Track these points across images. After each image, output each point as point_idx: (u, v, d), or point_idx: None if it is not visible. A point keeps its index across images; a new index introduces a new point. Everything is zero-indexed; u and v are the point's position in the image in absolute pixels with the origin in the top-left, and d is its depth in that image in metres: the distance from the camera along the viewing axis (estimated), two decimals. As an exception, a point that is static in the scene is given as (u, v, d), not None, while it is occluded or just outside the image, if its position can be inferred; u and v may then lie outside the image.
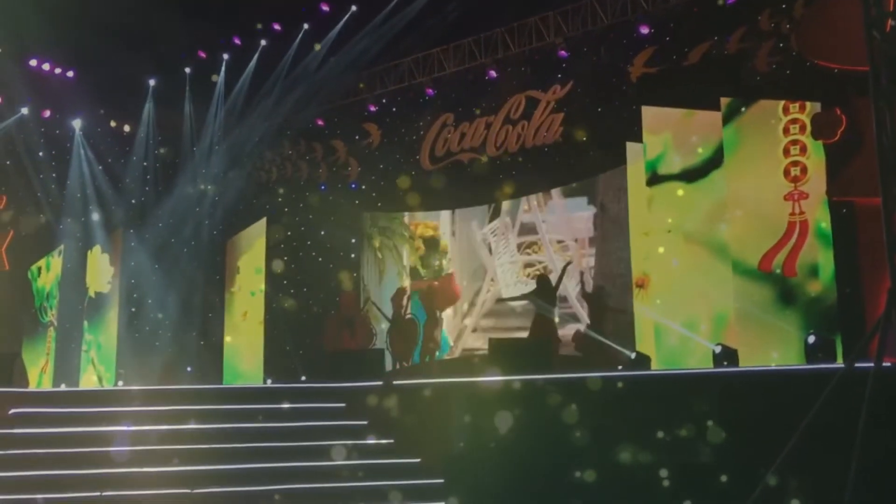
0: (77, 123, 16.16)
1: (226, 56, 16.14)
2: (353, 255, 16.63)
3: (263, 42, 15.78)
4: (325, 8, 15.01)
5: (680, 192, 12.18)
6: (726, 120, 11.63)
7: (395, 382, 10.62)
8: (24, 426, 9.58)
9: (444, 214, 16.22)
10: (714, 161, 11.89)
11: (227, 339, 16.46)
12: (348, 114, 16.32)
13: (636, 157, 12.71)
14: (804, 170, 11.11)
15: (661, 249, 12.25)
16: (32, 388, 14.25)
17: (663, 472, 7.85)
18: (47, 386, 15.15)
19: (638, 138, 12.57)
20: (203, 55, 15.94)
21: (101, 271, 16.20)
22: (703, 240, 11.91)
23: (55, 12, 13.05)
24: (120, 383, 14.50)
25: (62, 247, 15.98)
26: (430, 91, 15.28)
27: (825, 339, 9.60)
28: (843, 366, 7.60)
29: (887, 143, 7.01)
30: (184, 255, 16.03)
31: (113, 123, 16.56)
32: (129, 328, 15.77)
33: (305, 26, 15.36)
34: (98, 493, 8.63)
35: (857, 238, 10.55)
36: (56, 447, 9.24)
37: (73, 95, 15.38)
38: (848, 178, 10.62)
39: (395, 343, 15.84)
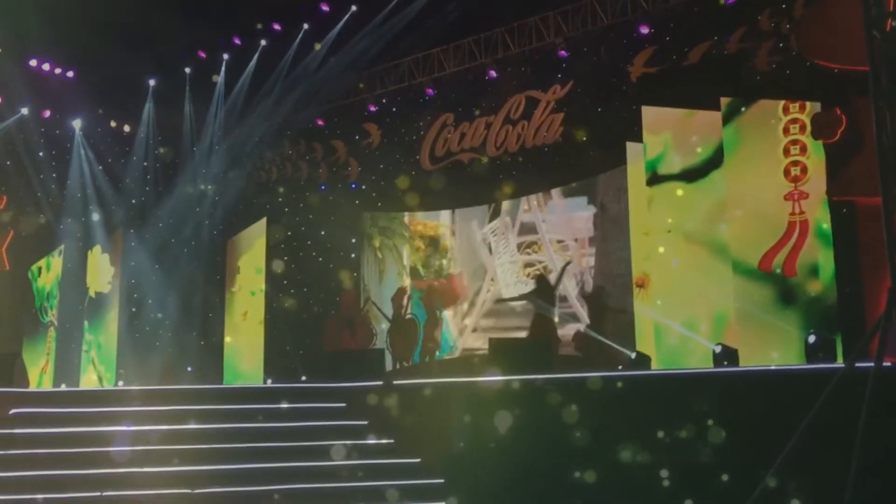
0: (77, 123, 16.17)
1: (226, 56, 16.14)
2: (353, 255, 16.64)
3: (263, 42, 15.78)
4: (325, 8, 15.01)
5: (680, 192, 12.19)
6: (726, 120, 11.64)
7: (395, 382, 10.61)
8: (25, 426, 9.56)
9: (445, 214, 16.22)
10: (714, 161, 11.89)
11: (228, 339, 16.47)
12: (348, 114, 16.33)
13: (636, 157, 12.71)
14: (804, 170, 11.11)
15: (661, 249, 12.26)
16: (33, 388, 14.25)
17: (663, 473, 7.85)
18: (47, 386, 15.16)
19: (638, 138, 12.58)
20: (203, 55, 15.94)
21: (101, 271, 16.21)
22: (703, 240, 11.92)
23: (55, 12, 13.06)
24: (120, 383, 14.51)
25: (62, 247, 15.98)
26: (430, 91, 15.29)
27: (825, 339, 9.59)
28: (843, 365, 7.60)
29: (887, 143, 7.01)
30: (184, 255, 16.04)
31: (113, 123, 16.56)
32: (130, 328, 15.78)
33: (305, 26, 15.36)
34: (98, 494, 8.63)
35: (857, 238, 10.56)
36: (56, 447, 9.23)
37: (73, 95, 15.38)
38: (848, 177, 10.63)
39: (396, 343, 15.85)
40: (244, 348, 16.21)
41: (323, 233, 16.53)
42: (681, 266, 12.02)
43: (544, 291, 14.03)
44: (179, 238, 16.08)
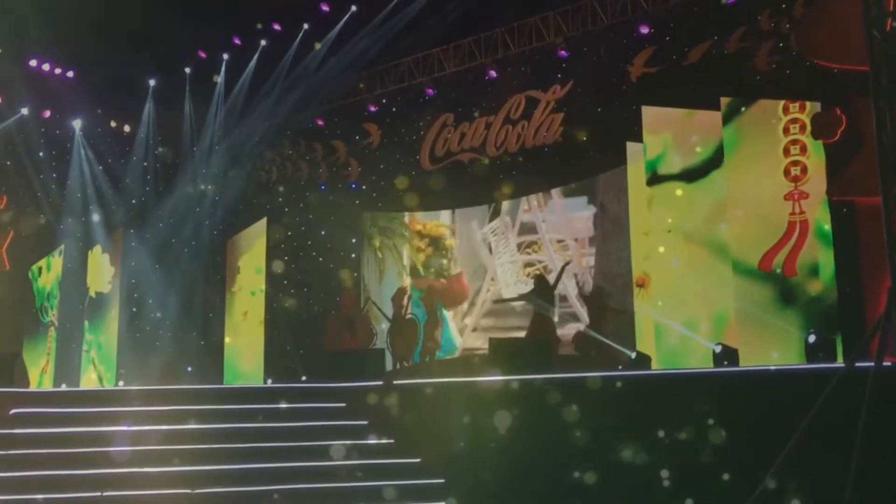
0: (77, 123, 16.16)
1: (226, 56, 16.14)
2: (353, 255, 16.64)
3: (263, 42, 15.78)
4: (325, 8, 15.00)
5: (680, 192, 12.18)
6: (726, 120, 11.63)
7: (395, 382, 10.62)
8: (25, 426, 9.57)
9: (445, 214, 16.23)
10: (714, 161, 11.88)
11: (228, 339, 16.47)
12: (348, 114, 16.33)
13: (636, 157, 12.70)
14: (804, 169, 11.11)
15: (661, 249, 12.25)
16: (33, 388, 14.25)
17: (663, 472, 7.85)
18: (48, 386, 15.16)
19: (638, 138, 12.57)
20: (203, 55, 15.94)
21: (101, 271, 16.20)
22: (703, 239, 11.91)
23: (55, 12, 13.06)
24: (120, 383, 14.51)
25: (63, 247, 15.98)
26: (430, 91, 15.29)
27: (825, 339, 9.60)
28: (843, 365, 7.60)
29: (887, 143, 7.02)
30: (184, 255, 16.04)
31: (113, 123, 16.56)
32: (130, 328, 15.78)
33: (305, 26, 15.36)
34: (99, 494, 8.64)
35: (857, 237, 10.56)
36: (57, 447, 9.24)
37: (73, 95, 15.38)
38: (848, 177, 10.62)
39: (396, 343, 15.84)
40: (244, 348, 16.21)
41: (323, 233, 16.54)
42: (681, 266, 12.01)
43: (543, 291, 14.03)
44: (180, 238, 16.09)
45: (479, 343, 14.92)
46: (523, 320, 14.46)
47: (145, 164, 16.43)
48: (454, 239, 16.07)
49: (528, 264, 15.02)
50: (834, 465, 6.38)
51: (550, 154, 14.09)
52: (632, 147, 12.79)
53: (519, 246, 15.22)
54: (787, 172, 11.21)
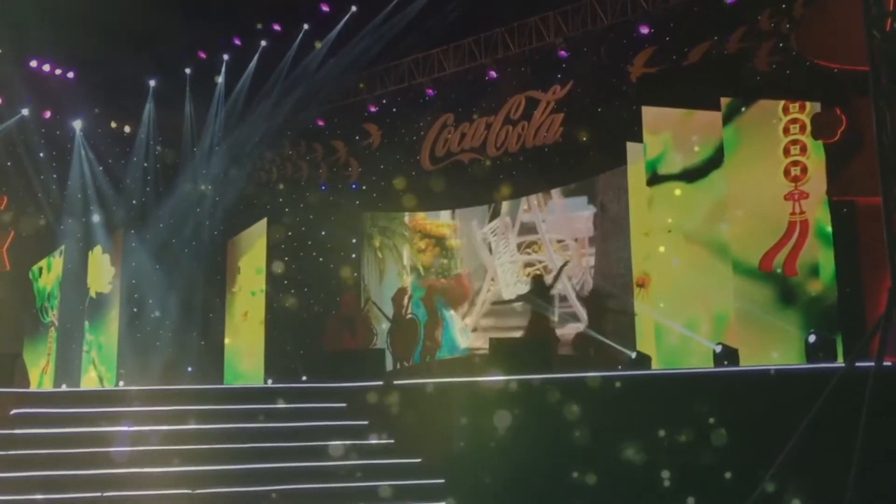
0: (77, 124, 16.16)
1: (226, 57, 16.15)
2: (353, 255, 16.65)
3: (263, 42, 15.78)
4: (325, 8, 15.01)
5: (680, 192, 12.19)
6: (726, 120, 11.64)
7: (395, 382, 10.62)
8: (25, 427, 9.56)
9: (445, 214, 16.23)
10: (714, 161, 11.89)
11: (228, 339, 16.47)
12: (348, 114, 16.34)
13: (636, 157, 12.72)
14: (804, 169, 11.12)
15: (661, 249, 12.26)
16: (33, 388, 14.24)
17: (664, 472, 7.86)
18: (48, 386, 15.16)
19: (638, 138, 12.58)
20: (203, 56, 15.95)
21: (101, 272, 16.21)
22: (703, 240, 11.92)
23: (55, 12, 13.06)
24: (121, 383, 14.52)
25: (63, 247, 15.98)
26: (430, 91, 15.29)
27: (826, 339, 9.59)
28: (843, 365, 7.60)
29: (887, 143, 7.02)
30: (184, 256, 16.05)
31: (113, 124, 16.56)
32: (130, 328, 15.79)
33: (305, 27, 15.36)
34: (99, 494, 8.63)
35: (857, 237, 10.56)
36: (57, 448, 9.23)
37: (73, 96, 15.38)
38: (848, 177, 10.63)
39: (396, 343, 15.85)
40: (245, 349, 16.22)
41: (323, 233, 16.55)
42: (681, 266, 12.02)
43: (541, 291, 14.04)
44: (180, 238, 16.09)
45: (480, 343, 14.93)
46: (524, 320, 14.47)
47: (145, 164, 16.43)
48: (457, 239, 16.07)
49: (528, 264, 15.03)
50: (834, 465, 6.38)
51: (550, 154, 14.10)
52: (632, 147, 12.80)
53: (519, 246, 15.22)
54: (787, 172, 11.22)
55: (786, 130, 11.28)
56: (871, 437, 6.17)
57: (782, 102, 11.32)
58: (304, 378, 13.73)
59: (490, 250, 15.52)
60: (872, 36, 7.18)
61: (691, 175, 12.16)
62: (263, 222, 16.39)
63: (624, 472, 7.96)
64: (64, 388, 14.32)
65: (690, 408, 7.91)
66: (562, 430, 8.27)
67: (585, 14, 13.46)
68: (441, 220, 16.28)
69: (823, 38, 10.88)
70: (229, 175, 16.37)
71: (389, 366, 15.15)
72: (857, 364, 6.91)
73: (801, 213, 11.08)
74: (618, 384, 8.69)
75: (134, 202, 16.37)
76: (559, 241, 14.77)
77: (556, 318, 14.14)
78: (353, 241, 16.68)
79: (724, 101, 11.64)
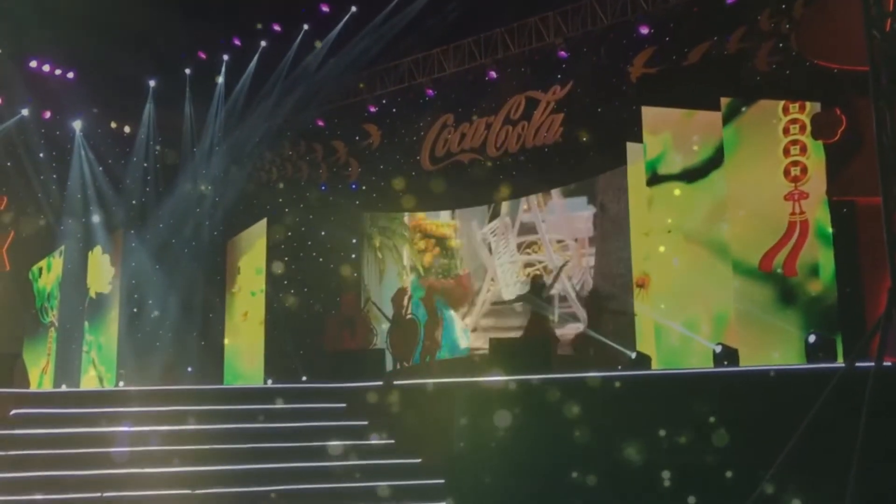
0: (77, 124, 16.16)
1: (226, 57, 16.14)
2: (353, 255, 16.65)
3: (263, 43, 15.78)
4: (325, 8, 15.01)
5: (679, 193, 12.19)
6: (726, 120, 11.63)
7: (395, 382, 10.62)
8: (25, 427, 9.58)
9: (445, 215, 16.23)
10: (714, 161, 11.89)
11: (228, 339, 16.47)
12: (348, 114, 16.33)
13: (636, 157, 12.71)
14: (804, 170, 11.11)
15: (661, 249, 12.26)
16: (33, 388, 14.26)
17: (664, 473, 7.85)
18: (48, 387, 15.16)
19: (638, 138, 12.58)
20: (203, 56, 15.94)
21: (101, 272, 16.21)
22: (703, 240, 11.92)
23: (55, 12, 13.06)
24: (121, 384, 14.51)
25: (63, 247, 15.99)
26: (430, 91, 15.29)
27: (825, 339, 9.59)
28: (843, 365, 7.60)
29: (887, 143, 7.02)
30: (184, 256, 16.05)
31: (113, 124, 16.56)
32: (130, 329, 15.78)
33: (305, 27, 15.36)
34: (99, 494, 8.64)
35: (857, 237, 10.56)
36: (57, 448, 9.25)
37: (73, 96, 15.38)
38: (848, 177, 10.63)
39: (396, 343, 15.85)
40: (244, 349, 16.22)
41: (323, 233, 16.55)
42: (681, 266, 12.02)
43: (540, 292, 14.05)
44: (180, 239, 16.10)
45: (480, 343, 14.93)
46: (523, 320, 14.48)
47: (145, 164, 16.43)
48: (457, 239, 16.07)
49: (527, 264, 15.03)
50: (834, 465, 6.37)
51: (550, 154, 14.09)
52: (632, 147, 12.79)
53: (519, 246, 15.22)
54: (787, 172, 11.22)
55: (786, 130, 11.27)
56: (871, 437, 6.16)
57: (782, 102, 11.31)
58: (303, 378, 13.72)
59: (490, 250, 15.52)
60: (872, 36, 7.17)
61: (691, 175, 12.16)
62: (263, 222, 16.39)
63: (624, 473, 7.95)
64: (64, 388, 14.32)
65: (690, 408, 7.91)
66: (562, 431, 8.27)
67: (585, 14, 13.46)
68: (441, 221, 16.28)
69: (823, 38, 10.88)
70: (229, 175, 16.37)
71: (389, 366, 15.16)
72: (857, 364, 6.90)
73: (801, 213, 11.07)
74: (618, 384, 8.69)
75: (134, 202, 16.38)
76: (559, 242, 14.77)
77: (555, 319, 14.14)
78: (353, 241, 16.68)
79: (724, 101, 11.63)
